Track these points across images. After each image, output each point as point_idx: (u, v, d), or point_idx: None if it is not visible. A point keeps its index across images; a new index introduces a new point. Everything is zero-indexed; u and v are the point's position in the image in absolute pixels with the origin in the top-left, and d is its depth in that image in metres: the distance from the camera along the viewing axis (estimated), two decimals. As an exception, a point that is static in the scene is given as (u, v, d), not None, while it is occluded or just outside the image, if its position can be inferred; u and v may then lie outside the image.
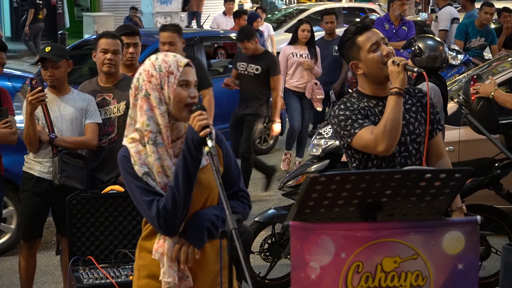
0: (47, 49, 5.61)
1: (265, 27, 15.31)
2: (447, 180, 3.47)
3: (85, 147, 5.67)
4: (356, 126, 3.99)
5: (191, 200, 3.35)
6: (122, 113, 5.70)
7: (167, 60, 3.38)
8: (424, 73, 4.00)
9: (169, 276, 3.38)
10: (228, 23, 15.85)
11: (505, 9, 12.48)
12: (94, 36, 12.77)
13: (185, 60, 3.41)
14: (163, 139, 3.35)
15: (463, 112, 5.88)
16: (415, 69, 4.00)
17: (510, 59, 8.41)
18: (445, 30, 12.41)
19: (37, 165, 5.61)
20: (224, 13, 16.66)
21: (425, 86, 4.41)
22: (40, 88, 5.40)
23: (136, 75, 3.43)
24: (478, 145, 7.05)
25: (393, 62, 3.97)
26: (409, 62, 6.00)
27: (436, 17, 12.98)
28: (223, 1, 17.20)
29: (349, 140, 4.03)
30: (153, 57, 3.43)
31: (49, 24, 22.63)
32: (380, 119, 4.03)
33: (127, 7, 22.06)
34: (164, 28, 7.53)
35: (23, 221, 5.72)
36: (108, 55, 5.71)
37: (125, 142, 3.43)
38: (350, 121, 4.01)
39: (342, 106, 4.08)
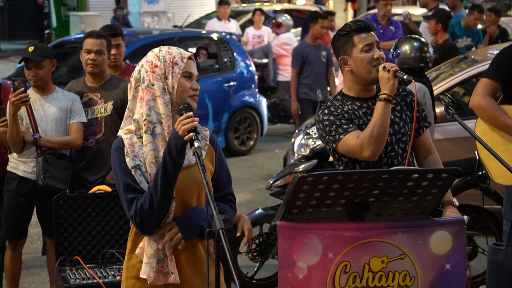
0: (30, 49, 5.54)
1: (265, 31, 14.71)
2: (435, 180, 3.48)
3: (69, 147, 5.64)
4: (341, 131, 3.98)
5: (184, 194, 3.37)
6: (109, 113, 5.68)
7: (171, 52, 3.42)
8: (413, 81, 3.99)
9: (144, 272, 3.40)
10: (224, 28, 14.18)
11: (490, 9, 12.50)
12: (74, 36, 12.67)
13: (188, 53, 3.45)
14: (163, 129, 3.37)
15: (449, 112, 5.87)
16: (405, 77, 3.99)
17: (469, 58, 8.34)
18: None
19: (21, 165, 5.58)
20: (219, 18, 15.08)
21: (412, 87, 4.39)
22: (22, 89, 5.34)
23: (137, 68, 3.45)
24: (446, 145, 7.07)
25: (384, 68, 3.96)
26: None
27: (430, 17, 12.92)
28: (214, 3, 15.94)
29: (334, 145, 4.02)
30: (156, 49, 3.47)
31: (35, 24, 22.51)
32: (364, 121, 4.04)
33: (114, 6, 21.97)
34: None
35: (7, 221, 5.67)
36: (91, 55, 5.66)
37: (120, 133, 3.45)
38: (334, 126, 4.00)
39: (326, 111, 4.07)
